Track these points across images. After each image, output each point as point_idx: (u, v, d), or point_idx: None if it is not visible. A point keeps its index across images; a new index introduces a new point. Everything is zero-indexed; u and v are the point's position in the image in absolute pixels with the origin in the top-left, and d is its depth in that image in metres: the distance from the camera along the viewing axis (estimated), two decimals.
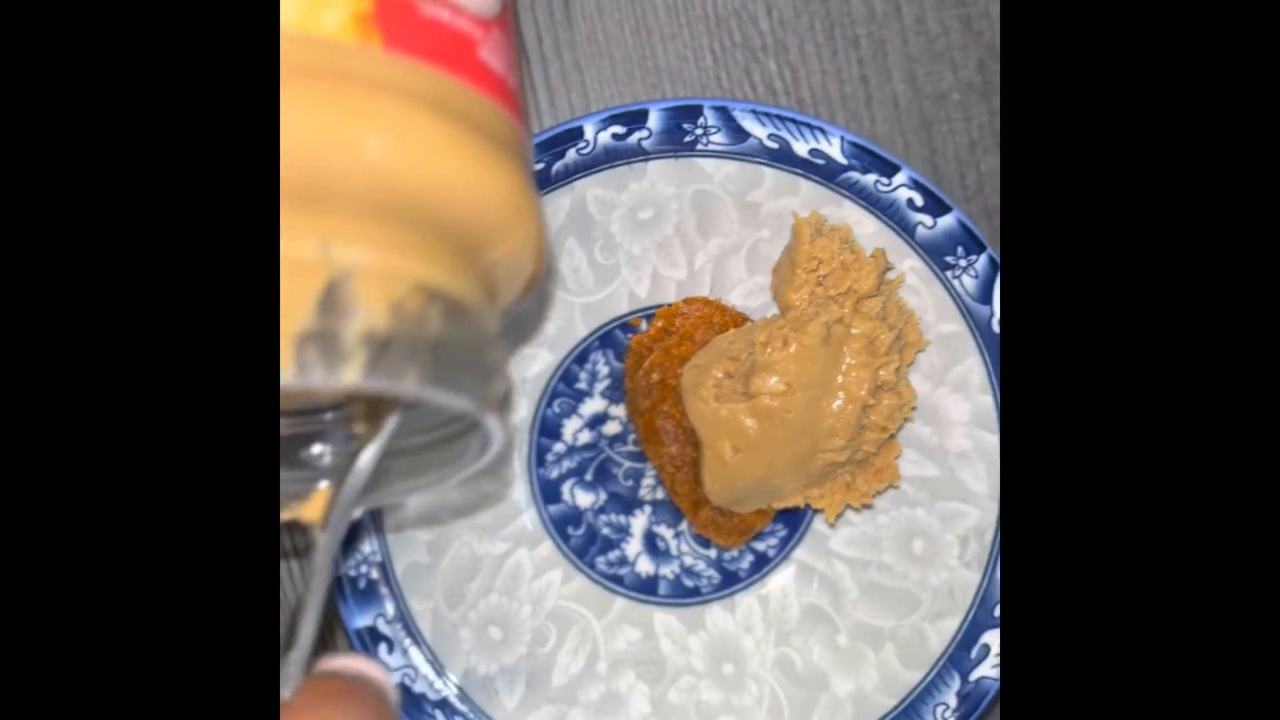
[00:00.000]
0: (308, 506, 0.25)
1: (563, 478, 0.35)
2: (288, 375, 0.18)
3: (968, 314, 0.34)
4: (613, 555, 0.36)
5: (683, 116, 0.33)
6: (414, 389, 0.19)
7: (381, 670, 0.23)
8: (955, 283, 0.34)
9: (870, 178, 0.33)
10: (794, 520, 0.36)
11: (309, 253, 0.19)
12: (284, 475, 0.26)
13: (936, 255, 0.33)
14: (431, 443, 0.26)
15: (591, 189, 0.34)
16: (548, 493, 0.35)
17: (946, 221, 0.33)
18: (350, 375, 0.18)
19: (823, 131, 0.33)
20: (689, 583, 0.36)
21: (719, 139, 0.33)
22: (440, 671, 0.34)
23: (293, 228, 0.19)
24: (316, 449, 0.27)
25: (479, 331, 0.22)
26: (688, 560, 0.36)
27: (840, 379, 0.32)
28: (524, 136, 0.24)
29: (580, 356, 0.35)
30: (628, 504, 0.36)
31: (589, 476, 0.36)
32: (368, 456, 0.24)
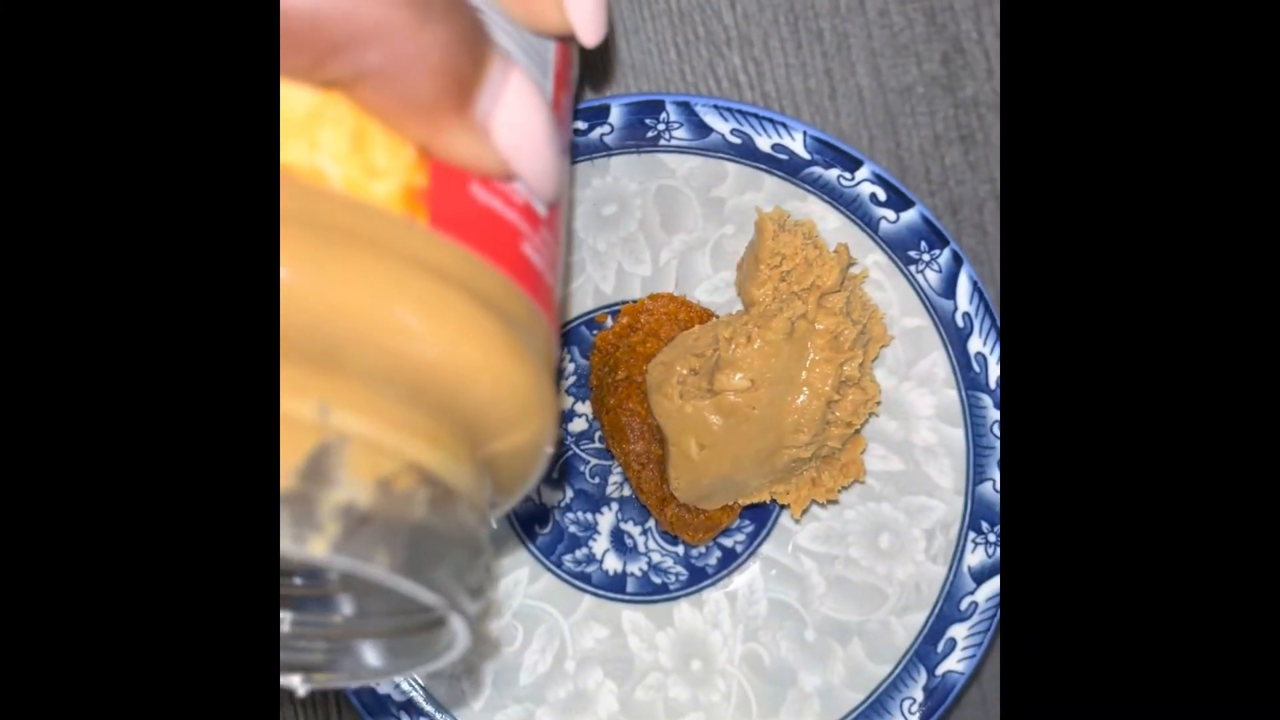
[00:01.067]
0: None
1: None
2: None
3: (931, 308, 0.34)
4: (580, 553, 0.36)
5: (645, 112, 0.33)
6: (382, 573, 0.19)
7: None
8: (919, 277, 0.33)
9: (833, 172, 0.33)
10: (760, 516, 0.36)
11: (305, 413, 0.19)
12: None
13: (900, 250, 0.33)
14: (400, 630, 0.25)
15: None
16: None
17: (909, 216, 0.33)
18: (318, 548, 0.18)
19: (785, 126, 0.33)
20: (656, 580, 0.36)
21: (682, 134, 0.33)
22: None
23: (294, 385, 0.19)
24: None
25: (464, 525, 0.21)
26: (655, 557, 0.36)
27: (804, 375, 0.32)
28: (553, 337, 0.24)
29: None
30: (594, 501, 0.36)
31: (555, 474, 0.35)
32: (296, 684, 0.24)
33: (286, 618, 0.25)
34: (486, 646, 0.34)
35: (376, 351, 0.19)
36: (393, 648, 0.24)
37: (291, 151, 0.19)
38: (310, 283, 0.18)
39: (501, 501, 0.24)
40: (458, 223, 0.21)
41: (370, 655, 0.24)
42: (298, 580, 0.25)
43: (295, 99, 0.19)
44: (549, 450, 0.23)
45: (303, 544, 0.18)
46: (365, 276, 0.19)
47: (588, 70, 0.36)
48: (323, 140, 0.19)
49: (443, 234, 0.20)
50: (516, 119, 0.20)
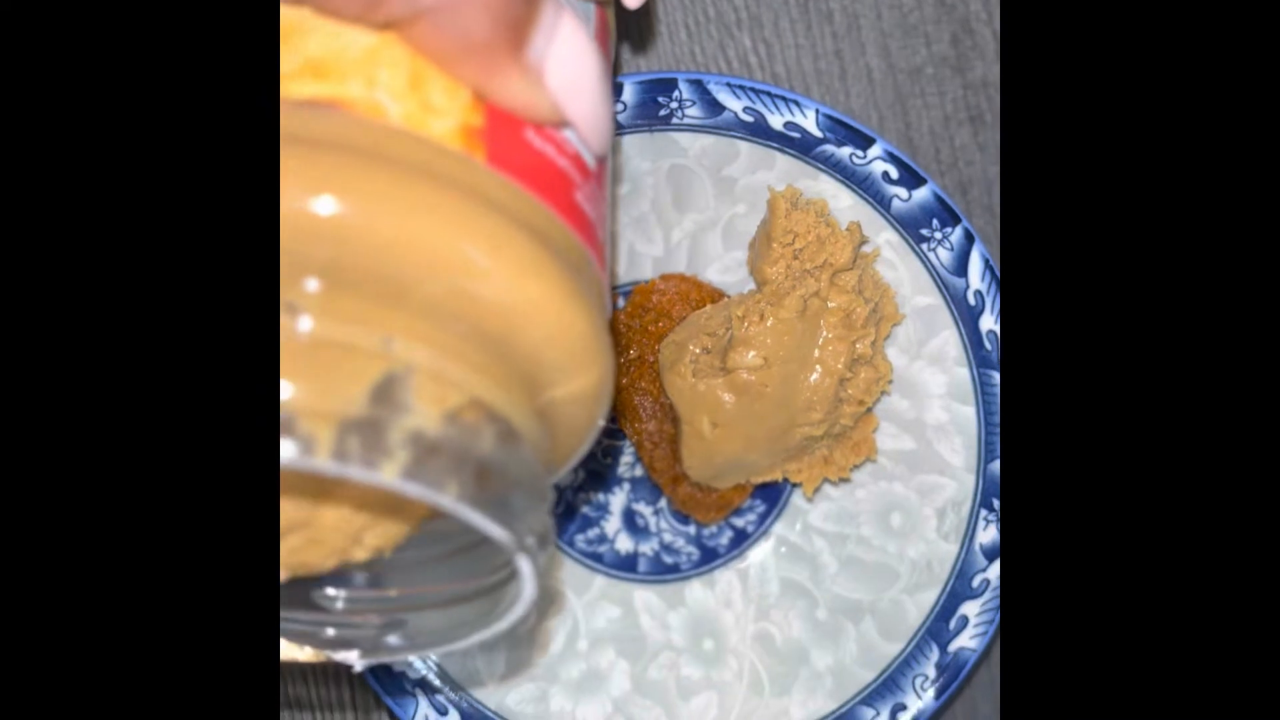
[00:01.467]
0: (303, 649, 0.24)
1: None
2: (325, 462, 0.17)
3: (943, 287, 0.34)
4: (592, 533, 0.36)
5: (657, 90, 0.33)
6: (451, 503, 0.18)
7: None
8: (931, 255, 0.34)
9: (846, 151, 0.33)
10: (772, 495, 0.36)
11: (368, 343, 0.19)
12: (289, 615, 0.25)
13: (912, 228, 0.33)
14: (458, 599, 0.24)
15: None
16: None
17: (921, 194, 0.33)
18: (389, 473, 0.18)
19: (798, 104, 0.33)
20: (668, 559, 0.36)
21: (694, 113, 0.33)
22: None
23: (359, 315, 0.19)
24: (330, 591, 0.25)
25: (529, 465, 0.20)
26: (667, 537, 0.36)
27: (817, 353, 0.32)
28: (606, 291, 0.23)
29: None
30: (606, 481, 0.36)
31: None
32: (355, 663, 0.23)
33: (340, 595, 0.25)
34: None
35: (440, 285, 0.19)
36: (452, 617, 0.24)
37: (350, 88, 0.19)
38: (373, 213, 0.18)
39: (556, 465, 0.24)
40: (514, 163, 0.20)
41: (429, 625, 0.24)
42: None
43: (352, 39, 0.19)
44: (605, 408, 0.22)
45: (374, 470, 0.18)
46: (429, 208, 0.19)
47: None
48: (381, 79, 0.19)
49: (501, 171, 0.20)
50: (569, 63, 0.20)
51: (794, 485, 0.36)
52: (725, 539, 0.36)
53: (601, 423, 0.23)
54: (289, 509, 0.21)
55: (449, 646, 0.24)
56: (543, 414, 0.22)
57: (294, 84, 0.19)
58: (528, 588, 0.21)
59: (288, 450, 0.17)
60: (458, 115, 0.20)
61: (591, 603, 0.35)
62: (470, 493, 0.19)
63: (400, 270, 0.19)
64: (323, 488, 0.22)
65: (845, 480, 0.35)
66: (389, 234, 0.18)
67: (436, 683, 0.34)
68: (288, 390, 0.18)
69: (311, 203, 0.18)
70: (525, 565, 0.20)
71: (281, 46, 0.19)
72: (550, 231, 0.21)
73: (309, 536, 0.22)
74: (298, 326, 0.18)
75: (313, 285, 0.19)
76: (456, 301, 0.19)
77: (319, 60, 0.19)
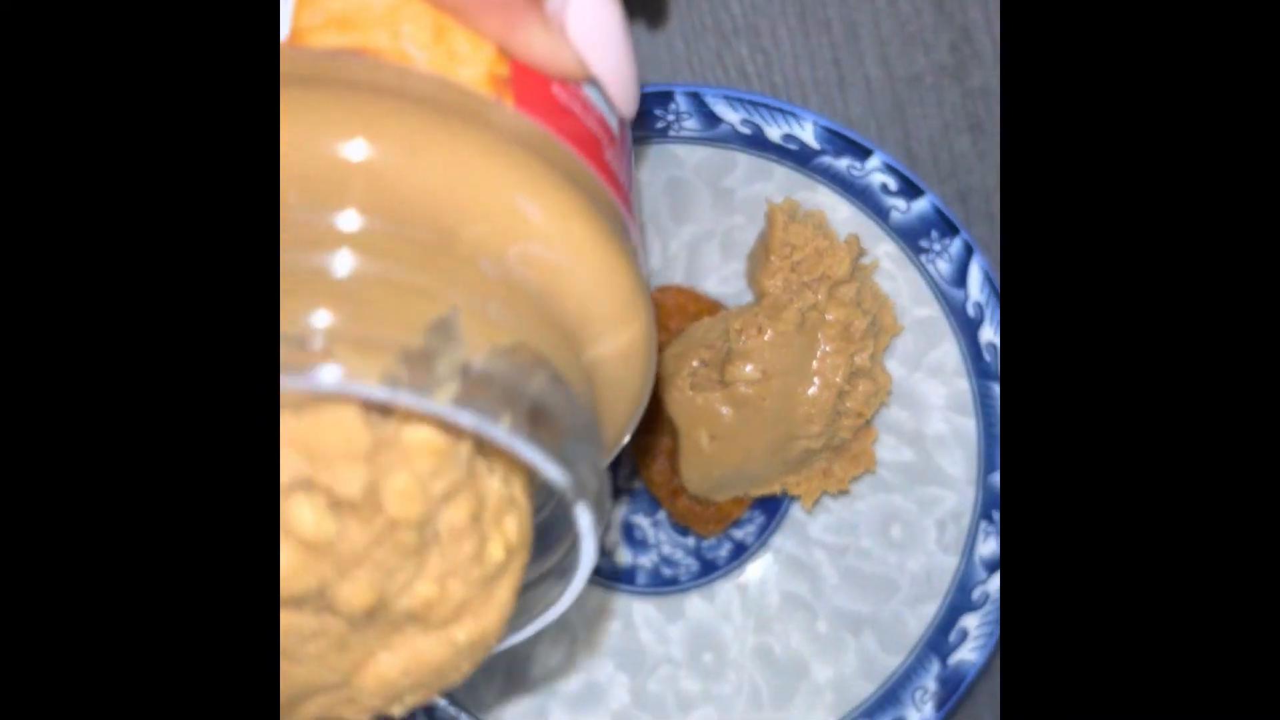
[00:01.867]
0: None
1: None
2: (375, 388, 0.17)
3: (943, 298, 0.34)
4: None
5: (654, 102, 0.33)
6: (505, 436, 0.18)
7: None
8: (930, 267, 0.33)
9: (843, 162, 0.33)
10: (771, 508, 0.36)
11: (414, 281, 0.18)
12: None
13: (910, 239, 0.33)
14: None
15: None
16: None
17: (920, 205, 0.33)
18: (440, 400, 0.17)
19: (795, 116, 0.33)
20: (667, 572, 0.36)
21: (691, 125, 0.33)
22: None
23: (403, 257, 0.18)
24: None
25: (584, 415, 0.20)
26: (666, 549, 0.36)
27: (816, 365, 0.32)
28: (641, 249, 0.23)
29: None
30: None
31: None
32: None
33: None
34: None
35: (480, 226, 0.19)
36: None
37: (376, 37, 0.19)
38: (410, 153, 0.18)
39: (606, 442, 0.23)
40: (544, 111, 0.20)
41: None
42: None
43: None
44: (650, 371, 0.22)
45: (426, 396, 0.17)
46: (466, 147, 0.18)
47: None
48: (405, 31, 0.19)
49: (531, 115, 0.20)
50: (590, 14, 0.20)
51: (793, 498, 0.35)
52: (724, 551, 0.36)
53: (647, 391, 0.22)
54: (322, 671, 0.21)
55: (508, 640, 0.23)
56: (588, 373, 0.21)
57: (318, 35, 0.19)
58: (588, 546, 0.20)
59: (339, 376, 0.17)
60: (484, 64, 0.20)
61: (590, 615, 0.35)
62: (525, 428, 0.18)
63: (440, 212, 0.18)
64: (364, 647, 0.21)
65: (844, 492, 0.35)
66: (427, 175, 0.18)
67: (436, 698, 0.34)
68: (333, 320, 0.17)
69: (345, 144, 0.18)
70: (584, 517, 0.19)
71: (305, 4, 0.19)
72: (585, 181, 0.20)
73: (346, 696, 0.21)
74: (340, 267, 0.18)
75: (353, 226, 0.18)
76: (499, 244, 0.19)
77: (342, 14, 0.19)
